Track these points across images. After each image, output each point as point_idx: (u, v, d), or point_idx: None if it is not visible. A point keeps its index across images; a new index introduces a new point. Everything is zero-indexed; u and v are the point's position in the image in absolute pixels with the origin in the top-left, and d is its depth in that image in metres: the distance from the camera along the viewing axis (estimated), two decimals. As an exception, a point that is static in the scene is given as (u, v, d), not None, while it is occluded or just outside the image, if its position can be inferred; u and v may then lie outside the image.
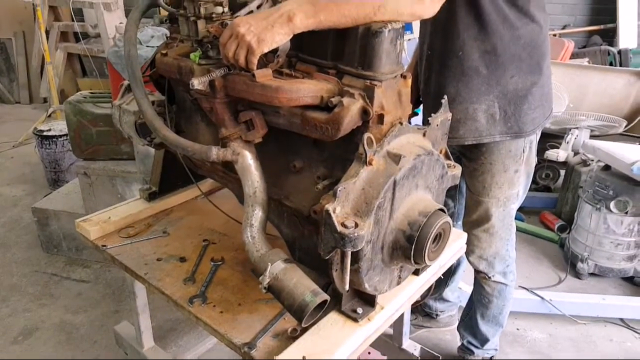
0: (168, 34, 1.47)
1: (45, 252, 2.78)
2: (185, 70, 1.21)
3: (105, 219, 1.60)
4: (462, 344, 2.05)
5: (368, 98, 1.06)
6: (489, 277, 1.79)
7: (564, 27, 4.98)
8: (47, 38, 4.85)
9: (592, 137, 3.27)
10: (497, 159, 1.57)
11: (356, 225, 1.00)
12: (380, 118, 1.08)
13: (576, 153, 3.15)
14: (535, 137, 1.60)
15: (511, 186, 1.62)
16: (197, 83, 1.09)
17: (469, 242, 1.69)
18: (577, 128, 3.16)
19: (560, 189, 3.28)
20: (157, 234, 1.58)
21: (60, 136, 3.28)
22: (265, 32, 1.01)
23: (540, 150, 3.22)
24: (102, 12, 4.43)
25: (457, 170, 1.28)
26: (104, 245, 1.52)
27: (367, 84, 1.06)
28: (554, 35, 4.77)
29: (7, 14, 5.48)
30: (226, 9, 1.12)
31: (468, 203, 1.73)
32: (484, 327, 1.93)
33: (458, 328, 2.08)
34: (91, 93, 2.56)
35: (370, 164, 1.04)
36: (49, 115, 4.73)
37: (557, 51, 3.67)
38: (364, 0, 1.03)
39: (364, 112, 1.06)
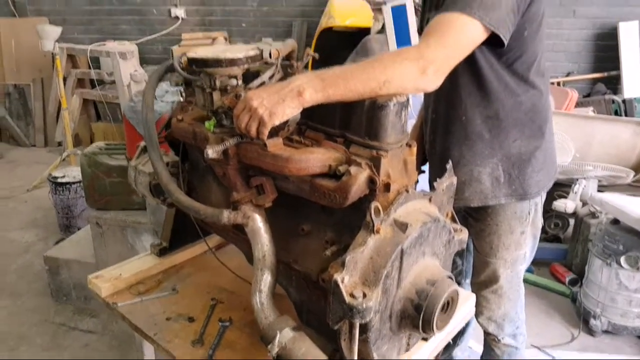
0: (183, 92, 1.53)
1: (55, 301, 2.79)
2: (200, 136, 1.26)
3: (117, 275, 1.62)
4: None
5: (375, 167, 1.09)
6: (499, 340, 1.77)
7: (567, 75, 5.05)
8: (64, 84, 5.01)
9: (600, 187, 3.27)
10: (503, 220, 1.59)
11: (364, 295, 1.01)
12: (387, 186, 1.11)
13: (584, 203, 3.15)
14: (540, 199, 1.61)
15: (518, 247, 1.63)
16: (212, 152, 1.13)
17: (477, 304, 1.69)
18: (584, 178, 3.17)
19: (570, 240, 3.26)
20: (166, 291, 1.60)
21: (74, 183, 3.34)
22: (277, 106, 1.05)
23: (549, 200, 3.23)
24: (118, 60, 4.59)
25: (464, 234, 1.29)
26: (115, 303, 1.54)
27: (374, 154, 1.10)
28: (558, 83, 4.84)
29: (27, 61, 5.68)
30: (240, 82, 1.17)
31: (476, 263, 1.74)
32: None
33: None
34: (106, 144, 2.63)
35: (378, 232, 1.06)
36: (63, 159, 4.83)
37: (561, 101, 3.73)
38: (370, 76, 1.08)
39: (371, 181, 1.09)
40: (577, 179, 3.18)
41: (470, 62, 1.33)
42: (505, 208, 1.57)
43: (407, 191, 1.14)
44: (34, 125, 5.78)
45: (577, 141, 3.33)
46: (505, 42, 1.27)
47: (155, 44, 5.69)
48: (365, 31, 4.34)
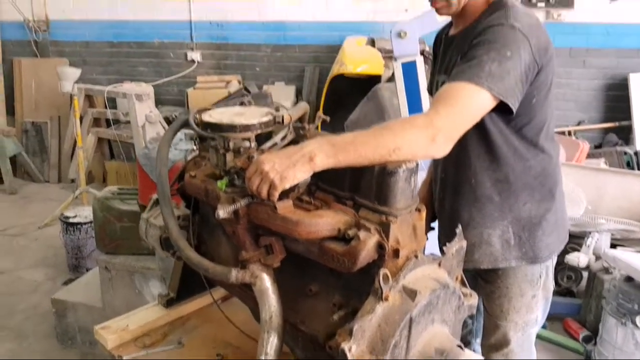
0: (196, 146, 1.56)
1: (60, 344, 2.78)
2: (212, 195, 1.28)
3: (123, 326, 1.62)
4: None
5: (384, 233, 1.10)
6: None
7: (578, 124, 5.07)
8: (81, 123, 5.12)
9: (614, 239, 3.23)
10: (514, 283, 1.57)
11: (372, 364, 1.00)
12: (396, 252, 1.11)
13: (598, 257, 3.10)
14: (551, 262, 1.60)
15: (529, 311, 1.60)
16: (222, 213, 1.14)
17: None
18: (597, 231, 3.13)
19: (584, 295, 3.19)
20: (172, 344, 1.59)
21: (85, 223, 3.37)
22: (288, 171, 1.08)
23: (561, 252, 3.19)
24: (134, 102, 4.70)
25: (474, 299, 1.28)
26: (120, 356, 1.53)
27: (383, 219, 1.10)
28: (569, 132, 4.85)
29: (46, 100, 5.83)
30: (253, 144, 1.20)
31: (486, 325, 1.71)
32: None
33: None
34: (119, 189, 2.67)
35: (386, 299, 1.06)
36: (76, 197, 4.89)
37: (572, 152, 3.73)
38: (380, 143, 1.10)
39: (380, 247, 1.09)
40: (590, 232, 3.14)
41: (479, 127, 1.35)
42: (515, 271, 1.56)
43: (416, 257, 1.14)
44: (49, 162, 5.88)
45: (589, 193, 3.31)
46: (514, 110, 1.29)
47: (171, 85, 5.83)
48: (376, 78, 4.43)
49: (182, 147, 2.30)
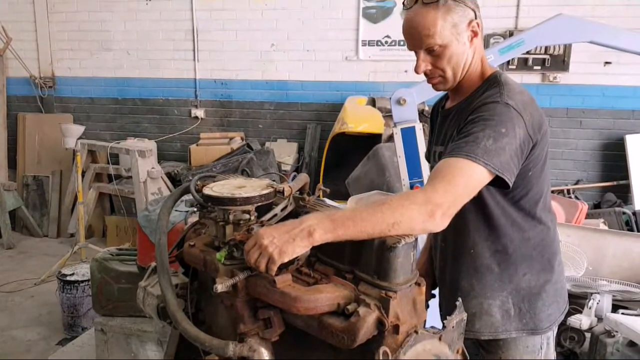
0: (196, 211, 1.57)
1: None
2: (211, 265, 1.28)
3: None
4: None
5: (383, 308, 1.10)
6: None
7: (576, 183, 5.12)
8: (82, 178, 5.16)
9: (615, 301, 3.19)
10: (515, 354, 1.55)
11: None
12: (396, 328, 1.11)
13: (599, 319, 3.06)
14: (552, 333, 1.59)
15: None
16: (221, 287, 1.15)
17: None
18: (598, 293, 3.11)
19: (587, 357, 3.13)
20: (167, 417, 1.55)
21: (82, 282, 3.34)
22: (287, 245, 1.10)
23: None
24: (136, 158, 4.77)
25: (474, 373, 1.26)
26: None
27: (383, 295, 1.11)
28: (567, 191, 4.89)
29: (48, 154, 5.91)
30: (253, 217, 1.22)
31: None
32: None
33: None
34: (117, 250, 2.67)
35: (386, 378, 1.05)
36: (74, 252, 4.86)
37: (572, 213, 3.74)
38: (379, 219, 1.12)
39: (380, 323, 1.09)
40: (591, 294, 3.11)
41: (477, 199, 1.37)
42: (517, 342, 1.54)
43: (416, 332, 1.13)
44: (48, 216, 5.88)
45: (590, 254, 3.30)
46: (510, 185, 1.32)
47: (174, 141, 5.92)
48: (377, 137, 4.51)
49: (183, 209, 2.31)
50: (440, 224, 1.19)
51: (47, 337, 3.46)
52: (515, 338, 1.53)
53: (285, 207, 1.29)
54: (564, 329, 3.24)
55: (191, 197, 1.59)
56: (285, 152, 5.41)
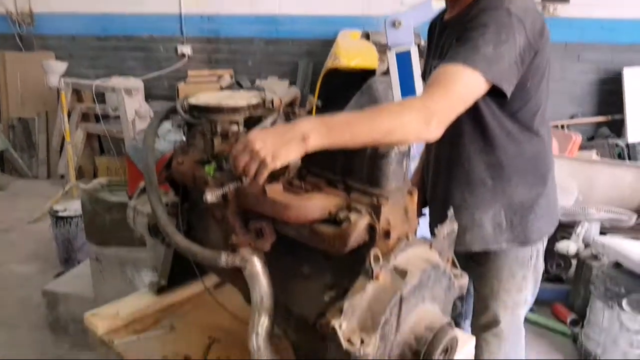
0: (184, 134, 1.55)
1: (53, 333, 2.77)
2: (200, 180, 1.27)
3: (114, 313, 1.61)
4: None
5: (375, 215, 1.10)
6: None
7: (571, 117, 5.11)
8: (69, 118, 5.08)
9: (603, 229, 3.27)
10: (505, 265, 1.59)
11: (362, 341, 1.00)
12: (387, 233, 1.11)
13: (587, 245, 3.14)
14: (542, 245, 1.62)
15: (519, 292, 1.62)
16: (210, 197, 1.14)
17: (477, 346, 1.67)
18: (587, 221, 3.17)
19: (573, 281, 3.24)
20: (163, 330, 1.59)
21: (75, 217, 3.35)
22: (280, 149, 1.06)
23: (551, 241, 3.23)
24: (123, 96, 4.67)
25: (464, 279, 1.29)
26: (111, 341, 1.53)
27: (374, 202, 1.11)
28: (562, 126, 4.89)
29: (32, 95, 5.77)
30: (242, 128, 1.19)
31: (476, 306, 1.73)
32: None
33: None
34: (108, 181, 2.65)
35: (377, 279, 1.07)
36: (66, 192, 4.85)
37: (565, 144, 3.76)
38: (375, 125, 1.10)
39: (371, 228, 1.09)
40: (580, 222, 3.18)
41: (473, 110, 1.35)
42: (507, 253, 1.57)
43: (407, 238, 1.15)
44: (37, 157, 5.83)
45: (580, 184, 3.35)
46: (508, 95, 1.30)
47: (161, 80, 5.79)
48: (371, 72, 4.42)
49: (171, 138, 2.29)
50: (435, 132, 1.17)
51: (44, 271, 3.51)
52: (506, 249, 1.56)
53: (275, 121, 1.27)
54: (551, 256, 3.33)
55: (179, 121, 1.58)
56: (276, 90, 5.32)
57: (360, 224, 1.08)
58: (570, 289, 3.23)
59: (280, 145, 1.06)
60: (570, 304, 3.18)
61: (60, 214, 3.39)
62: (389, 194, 1.11)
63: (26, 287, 3.32)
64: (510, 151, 1.49)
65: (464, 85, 1.24)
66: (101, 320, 1.59)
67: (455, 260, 1.34)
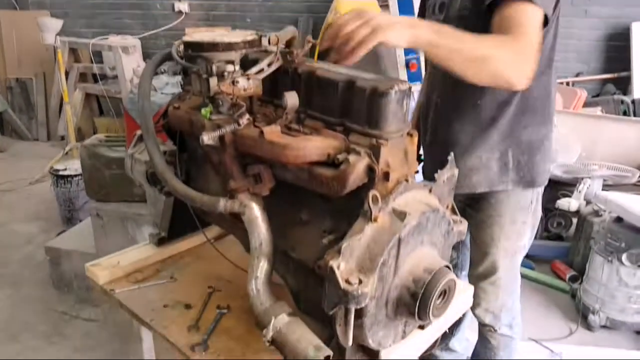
0: (181, 82, 1.52)
1: (57, 290, 2.81)
2: (197, 124, 1.25)
3: (115, 263, 1.62)
4: None
5: (374, 156, 1.08)
6: (495, 330, 1.77)
7: (577, 75, 5.02)
8: (67, 79, 5.01)
9: (605, 186, 3.25)
10: (506, 211, 1.58)
11: (360, 282, 1.00)
12: (386, 175, 1.10)
13: (588, 202, 3.13)
14: (541, 190, 1.61)
15: (519, 237, 1.63)
16: (207, 139, 1.12)
17: (475, 295, 1.68)
18: (589, 177, 3.15)
19: (572, 238, 3.25)
20: (164, 279, 1.60)
21: (76, 175, 3.35)
22: (394, 26, 1.05)
23: (552, 199, 3.22)
24: (120, 55, 4.59)
25: (463, 225, 1.28)
26: (112, 290, 1.54)
27: (374, 143, 1.09)
28: (567, 83, 4.80)
29: (29, 55, 5.68)
30: (237, 67, 1.16)
31: (474, 256, 1.73)
32: None
33: None
34: (106, 137, 2.63)
35: (375, 220, 1.06)
36: (66, 153, 4.84)
37: (570, 100, 3.71)
38: (478, 45, 1.12)
39: (370, 170, 1.08)
40: (582, 178, 3.16)
41: None
42: (510, 197, 1.57)
43: (406, 181, 1.13)
44: (36, 119, 5.79)
45: (584, 140, 3.32)
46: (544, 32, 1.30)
47: (159, 38, 5.69)
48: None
49: (168, 91, 2.25)
50: (526, 83, 1.17)
51: (46, 230, 3.53)
52: (509, 193, 1.56)
53: (272, 62, 1.24)
54: (552, 214, 3.34)
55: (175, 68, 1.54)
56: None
57: (359, 165, 1.07)
58: (570, 246, 3.24)
59: (394, 23, 1.04)
60: (569, 261, 3.20)
61: (60, 172, 3.39)
62: (389, 135, 1.09)
63: (29, 246, 3.35)
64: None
65: (538, 27, 1.22)
66: (102, 270, 1.59)
67: (455, 208, 1.33)
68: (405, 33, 1.06)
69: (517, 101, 1.48)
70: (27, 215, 3.84)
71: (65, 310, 2.66)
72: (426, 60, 1.74)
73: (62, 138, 5.53)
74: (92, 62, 5.13)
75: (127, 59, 4.60)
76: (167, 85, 2.27)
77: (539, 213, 1.65)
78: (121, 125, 5.14)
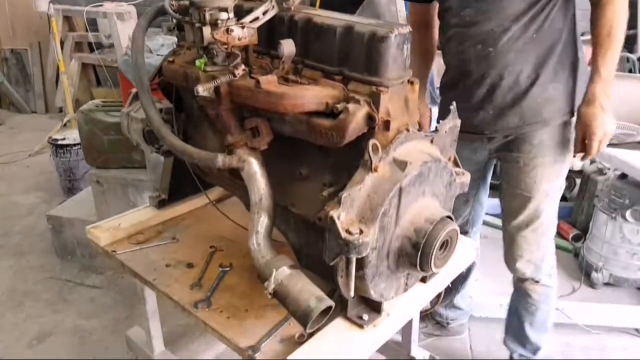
0: (177, 38, 1.49)
1: (60, 259, 2.81)
2: (192, 77, 1.22)
3: (116, 225, 1.61)
4: (512, 357, 2.01)
5: (374, 104, 1.06)
6: (536, 282, 1.76)
7: (582, 34, 4.91)
8: (62, 48, 4.93)
9: (610, 145, 3.21)
10: (550, 150, 1.60)
11: (361, 232, 0.99)
12: (386, 124, 1.07)
13: (592, 161, 3.10)
14: None
15: (558, 177, 1.66)
16: (202, 90, 1.09)
17: (515, 248, 1.70)
18: (593, 135, 3.11)
19: (576, 197, 3.23)
20: (166, 241, 1.59)
21: (75, 145, 3.32)
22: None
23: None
24: (115, 22, 4.50)
25: (466, 177, 1.26)
26: (114, 251, 1.53)
27: (373, 90, 1.06)
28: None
29: (22, 25, 5.58)
30: (231, 15, 1.12)
31: (511, 205, 1.71)
32: (533, 335, 1.89)
33: (505, 342, 2.02)
34: (103, 102, 2.59)
35: (376, 170, 1.04)
36: (64, 125, 4.80)
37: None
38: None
39: (370, 119, 1.05)
40: (585, 137, 3.12)
41: None
42: (554, 134, 1.59)
43: (407, 130, 1.11)
44: (33, 91, 5.73)
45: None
46: None
47: (153, 4, 5.55)
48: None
49: (164, 53, 2.21)
50: None
51: (47, 201, 3.53)
52: (554, 129, 1.59)
53: (267, 10, 1.19)
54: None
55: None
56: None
57: (358, 114, 1.04)
58: (574, 206, 3.23)
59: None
60: (573, 221, 3.18)
61: (59, 142, 3.36)
62: (389, 82, 1.06)
63: (30, 217, 3.35)
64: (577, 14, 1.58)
65: None
66: (103, 232, 1.59)
67: (457, 160, 1.30)
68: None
69: (576, 27, 1.58)
70: (28, 187, 3.84)
71: (69, 278, 2.67)
72: (442, 27, 1.71)
73: (60, 110, 5.47)
74: (87, 31, 5.03)
75: (123, 25, 4.51)
76: (162, 47, 2.23)
77: (572, 150, 1.66)
78: (119, 96, 5.08)
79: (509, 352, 2.01)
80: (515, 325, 1.93)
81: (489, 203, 2.34)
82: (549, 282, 1.78)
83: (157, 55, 2.19)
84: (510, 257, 1.74)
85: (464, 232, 1.85)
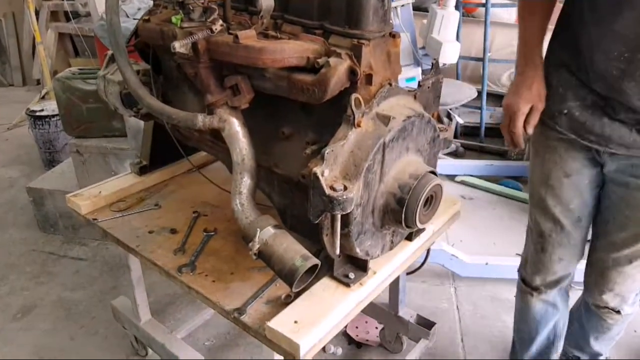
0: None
1: (42, 232, 2.77)
2: (168, 35, 1.18)
3: (96, 193, 1.58)
4: (568, 357, 1.80)
5: (355, 57, 1.03)
6: (618, 312, 1.52)
7: None
8: (37, 18, 4.77)
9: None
10: None
11: (345, 188, 0.98)
12: (369, 78, 1.05)
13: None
14: None
15: None
16: (179, 46, 1.06)
17: (606, 280, 1.45)
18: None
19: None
20: (148, 207, 1.57)
21: (53, 116, 3.24)
22: None
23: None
24: (91, -11, 4.35)
25: (450, 133, 1.25)
26: (95, 219, 1.51)
27: (355, 43, 1.03)
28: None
29: (-6, -6, 5.38)
30: (207, -30, 1.08)
31: (619, 236, 1.40)
32: (597, 346, 1.68)
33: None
34: (80, 69, 2.52)
35: (359, 125, 1.02)
36: (43, 97, 4.68)
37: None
38: None
39: (352, 72, 1.03)
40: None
41: None
42: None
43: (390, 85, 1.09)
44: (9, 63, 5.56)
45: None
46: None
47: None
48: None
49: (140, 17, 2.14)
50: None
51: (28, 174, 3.46)
52: None
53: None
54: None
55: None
56: None
57: (340, 68, 1.01)
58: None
59: None
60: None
61: (37, 113, 3.28)
62: (370, 34, 1.03)
63: (11, 190, 3.29)
64: None
65: None
66: (83, 200, 1.56)
67: (441, 117, 1.29)
68: None
69: None
70: (7, 160, 3.75)
71: (53, 250, 2.63)
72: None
73: (38, 82, 5.33)
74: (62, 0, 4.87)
75: (98, -7, 4.37)
76: (139, 11, 2.15)
77: None
78: (97, 65, 4.96)
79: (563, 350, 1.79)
80: (577, 333, 1.72)
81: (474, 164, 2.32)
82: (629, 311, 1.52)
83: (134, 19, 2.12)
84: (595, 286, 1.50)
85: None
